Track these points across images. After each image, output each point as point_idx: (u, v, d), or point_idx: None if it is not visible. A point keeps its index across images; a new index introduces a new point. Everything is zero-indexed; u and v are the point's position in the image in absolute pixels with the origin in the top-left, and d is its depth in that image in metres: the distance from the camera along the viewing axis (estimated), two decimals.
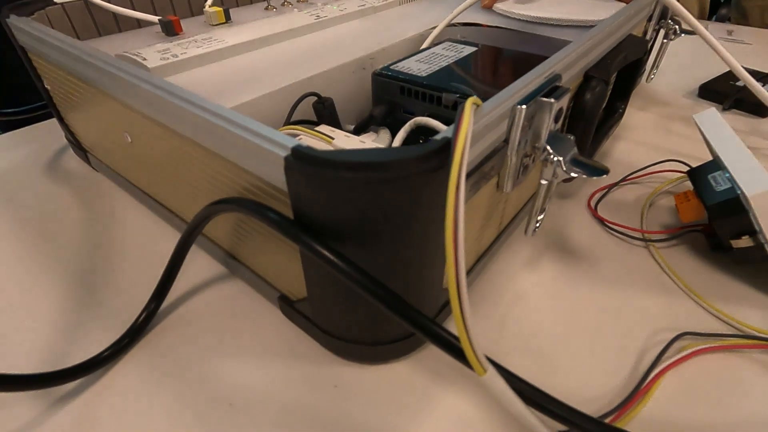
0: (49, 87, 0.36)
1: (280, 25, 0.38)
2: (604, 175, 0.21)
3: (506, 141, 0.20)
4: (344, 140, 0.27)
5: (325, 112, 0.31)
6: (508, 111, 0.19)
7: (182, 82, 0.29)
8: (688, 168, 0.29)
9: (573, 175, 0.21)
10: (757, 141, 0.43)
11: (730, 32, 0.73)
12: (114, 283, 0.28)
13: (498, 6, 0.43)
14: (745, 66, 0.57)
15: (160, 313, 0.26)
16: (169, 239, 0.32)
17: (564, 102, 0.21)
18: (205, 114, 0.19)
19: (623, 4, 0.42)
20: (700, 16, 0.97)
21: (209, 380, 0.23)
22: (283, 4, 0.47)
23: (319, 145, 0.26)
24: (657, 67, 0.45)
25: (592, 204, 0.34)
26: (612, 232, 0.32)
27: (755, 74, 0.55)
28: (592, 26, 0.39)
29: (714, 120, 0.28)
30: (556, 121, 0.21)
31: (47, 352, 0.24)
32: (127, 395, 0.22)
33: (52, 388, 0.22)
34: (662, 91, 0.53)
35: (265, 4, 0.46)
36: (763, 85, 0.53)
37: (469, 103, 0.17)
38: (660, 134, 0.44)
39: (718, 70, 0.54)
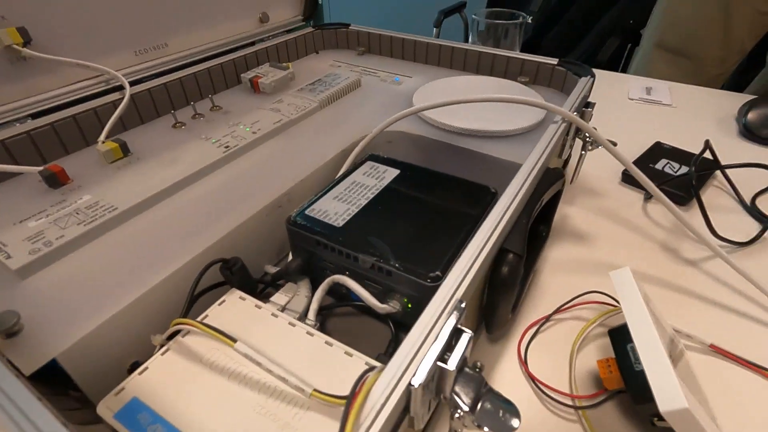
0: None
1: (186, 165, 0.35)
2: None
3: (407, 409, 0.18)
4: (249, 336, 0.24)
5: (233, 277, 0.29)
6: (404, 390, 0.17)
7: (53, 281, 0.25)
8: (611, 299, 0.28)
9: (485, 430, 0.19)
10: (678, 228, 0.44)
11: (648, 90, 0.75)
12: None
13: (423, 113, 0.42)
14: (663, 142, 0.58)
15: None
16: None
17: (468, 351, 0.19)
18: None
19: (542, 110, 0.42)
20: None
21: None
22: (193, 117, 0.43)
23: (211, 346, 0.23)
24: (578, 172, 0.45)
25: (522, 349, 0.33)
26: (543, 394, 0.30)
27: (674, 153, 0.55)
28: (512, 135, 0.40)
29: (627, 284, 0.28)
30: (460, 371, 0.19)
31: None
32: None
33: None
34: (588, 178, 0.53)
35: (172, 120, 0.42)
36: (678, 168, 0.52)
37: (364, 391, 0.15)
38: (587, 243, 0.44)
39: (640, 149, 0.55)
